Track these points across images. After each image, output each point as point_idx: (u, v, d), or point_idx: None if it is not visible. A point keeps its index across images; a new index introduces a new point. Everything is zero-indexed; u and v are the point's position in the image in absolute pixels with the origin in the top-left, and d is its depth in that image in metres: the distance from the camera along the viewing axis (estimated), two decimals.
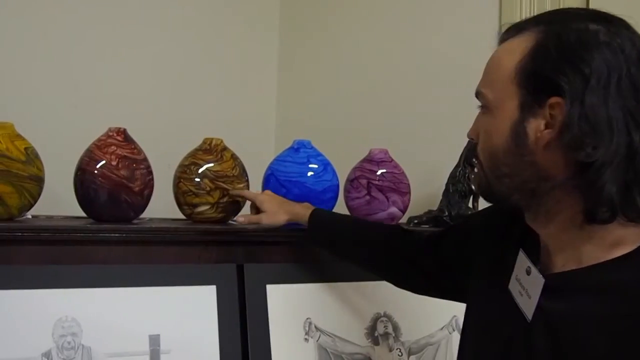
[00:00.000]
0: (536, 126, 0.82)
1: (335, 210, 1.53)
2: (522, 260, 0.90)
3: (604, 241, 0.83)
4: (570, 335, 0.82)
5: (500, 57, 0.87)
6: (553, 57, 0.81)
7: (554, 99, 0.80)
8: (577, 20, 0.83)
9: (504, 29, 0.90)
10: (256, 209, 1.37)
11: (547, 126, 0.82)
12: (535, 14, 0.91)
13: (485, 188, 0.91)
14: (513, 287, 0.91)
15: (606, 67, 0.78)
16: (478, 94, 0.90)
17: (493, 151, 0.87)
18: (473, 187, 1.59)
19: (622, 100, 0.78)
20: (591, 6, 1.50)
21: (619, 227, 0.82)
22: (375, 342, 1.41)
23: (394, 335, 1.44)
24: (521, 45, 0.84)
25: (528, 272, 0.88)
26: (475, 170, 0.94)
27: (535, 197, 0.86)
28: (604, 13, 0.84)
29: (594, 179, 0.79)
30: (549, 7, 1.54)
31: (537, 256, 0.90)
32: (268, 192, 1.41)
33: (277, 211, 1.34)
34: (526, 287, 0.88)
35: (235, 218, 1.41)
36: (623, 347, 0.78)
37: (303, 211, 1.33)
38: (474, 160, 0.94)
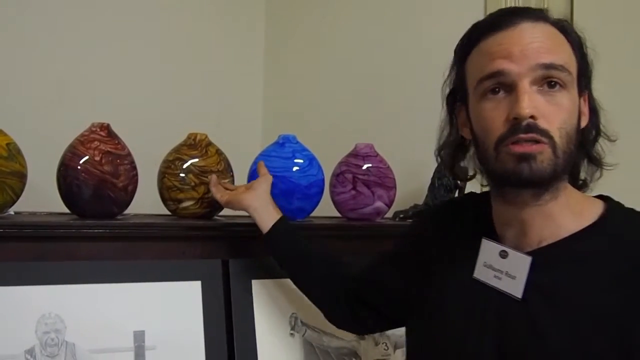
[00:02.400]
0: (583, 104, 0.95)
1: (321, 205, 1.53)
2: (491, 247, 0.95)
3: (573, 211, 0.93)
4: (569, 302, 0.88)
5: (560, 41, 0.92)
6: (586, 57, 0.96)
7: (585, 93, 0.95)
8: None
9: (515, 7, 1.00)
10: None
11: (583, 114, 0.94)
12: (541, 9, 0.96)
13: (552, 171, 0.88)
14: (482, 274, 0.95)
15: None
16: (555, 67, 0.88)
17: (570, 130, 0.90)
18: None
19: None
20: (575, 4, 1.51)
21: (579, 199, 0.95)
22: (361, 336, 1.42)
23: None
24: (560, 36, 0.93)
25: (503, 256, 0.93)
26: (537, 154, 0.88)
27: (566, 174, 0.93)
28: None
29: (590, 147, 0.96)
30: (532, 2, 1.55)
31: (496, 239, 0.96)
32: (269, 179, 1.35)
33: (264, 201, 1.29)
34: (504, 269, 0.93)
35: (212, 186, 1.37)
36: (615, 302, 0.86)
37: (271, 215, 1.27)
38: (535, 141, 0.88)
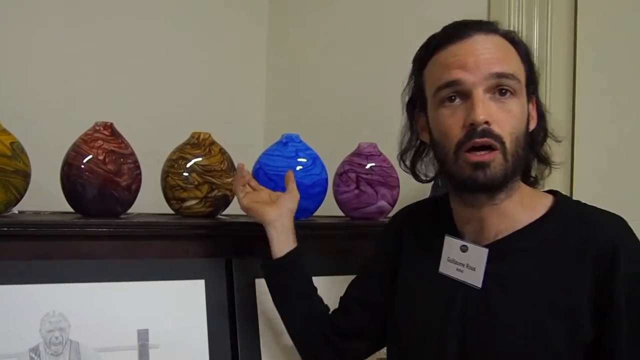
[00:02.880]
0: (532, 108, 1.03)
1: (324, 204, 1.53)
2: (453, 243, 1.05)
3: (525, 206, 1.02)
4: (522, 288, 0.98)
5: (508, 50, 1.01)
6: (533, 67, 1.05)
7: (533, 98, 1.04)
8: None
9: (464, 20, 1.03)
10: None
11: (531, 118, 1.03)
12: (491, 22, 1.05)
13: (503, 176, 0.97)
14: (447, 268, 1.05)
15: None
16: (506, 76, 0.97)
17: (519, 135, 0.98)
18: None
19: None
20: (579, 6, 1.51)
21: (531, 195, 1.05)
22: None
23: None
24: (508, 45, 1.01)
25: (464, 250, 1.03)
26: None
27: (518, 174, 1.01)
28: None
29: (538, 148, 1.06)
30: (537, 2, 1.55)
31: (458, 236, 1.06)
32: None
33: (286, 228, 1.24)
34: (465, 262, 1.03)
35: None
36: (563, 286, 0.96)
37: (292, 241, 1.24)
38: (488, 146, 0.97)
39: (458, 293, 1.03)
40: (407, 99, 1.11)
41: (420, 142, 1.12)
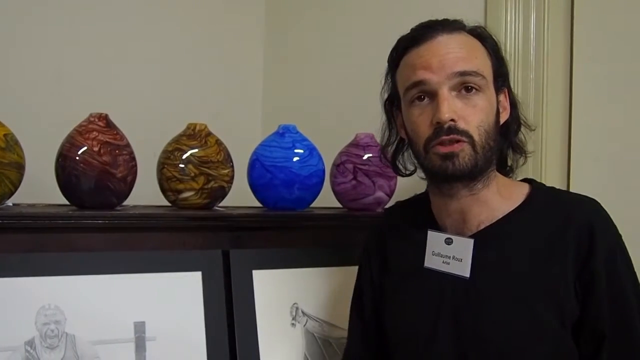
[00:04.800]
0: (504, 100, 1.08)
1: (321, 195, 1.52)
2: (436, 237, 1.08)
3: (503, 196, 1.06)
4: (508, 273, 1.02)
5: (476, 46, 1.05)
6: (503, 59, 1.09)
7: (504, 89, 1.09)
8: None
9: (434, 20, 1.07)
10: None
11: (504, 109, 1.08)
12: (458, 20, 1.08)
13: (472, 167, 1.01)
14: (432, 262, 1.07)
15: None
16: (470, 74, 1.01)
17: (488, 128, 1.01)
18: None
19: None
20: (575, 6, 1.51)
21: (508, 184, 1.09)
22: None
23: None
24: (475, 42, 1.06)
25: (449, 243, 1.06)
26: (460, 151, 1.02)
27: (492, 165, 1.05)
28: None
29: (512, 137, 1.10)
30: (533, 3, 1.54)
31: (439, 230, 1.09)
32: None
33: None
34: (451, 254, 1.05)
35: None
36: (548, 267, 1.00)
37: None
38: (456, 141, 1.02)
39: (447, 285, 1.06)
40: (385, 97, 1.17)
41: (400, 139, 1.17)
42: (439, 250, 1.07)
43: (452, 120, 0.99)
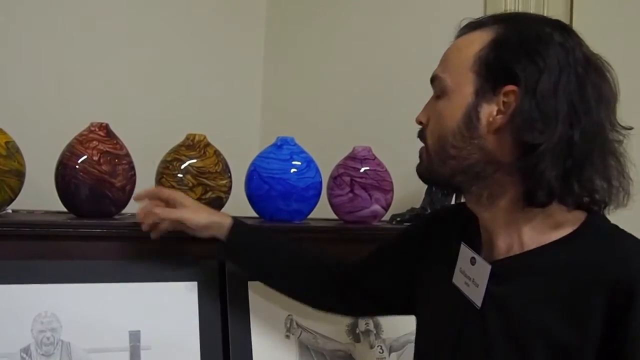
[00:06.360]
0: (489, 112, 0.90)
1: (318, 207, 1.53)
2: (465, 252, 0.97)
3: (544, 224, 0.91)
4: (520, 316, 0.89)
5: (460, 47, 0.95)
6: (512, 49, 0.89)
7: (509, 87, 0.88)
8: (535, 22, 0.93)
9: (462, 24, 0.98)
10: (166, 205, 1.24)
11: (498, 112, 0.89)
12: (496, 14, 1.00)
13: (426, 169, 0.98)
14: (458, 279, 0.97)
15: (558, 63, 0.87)
16: (435, 79, 0.97)
17: (443, 134, 0.93)
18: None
19: (569, 95, 0.87)
20: (575, 6, 1.52)
21: (559, 212, 0.90)
22: (357, 339, 1.42)
23: (375, 332, 1.44)
24: (482, 37, 0.92)
25: (472, 262, 0.94)
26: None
27: (479, 180, 0.92)
28: (557, 20, 0.94)
29: (536, 162, 0.86)
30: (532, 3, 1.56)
31: (479, 246, 0.97)
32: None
33: (199, 208, 1.25)
34: (472, 276, 0.94)
35: (139, 212, 1.23)
36: (566, 323, 0.85)
37: (222, 219, 1.23)
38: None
39: (460, 308, 0.96)
40: None
41: None
42: (465, 268, 0.96)
43: (421, 123, 0.99)
